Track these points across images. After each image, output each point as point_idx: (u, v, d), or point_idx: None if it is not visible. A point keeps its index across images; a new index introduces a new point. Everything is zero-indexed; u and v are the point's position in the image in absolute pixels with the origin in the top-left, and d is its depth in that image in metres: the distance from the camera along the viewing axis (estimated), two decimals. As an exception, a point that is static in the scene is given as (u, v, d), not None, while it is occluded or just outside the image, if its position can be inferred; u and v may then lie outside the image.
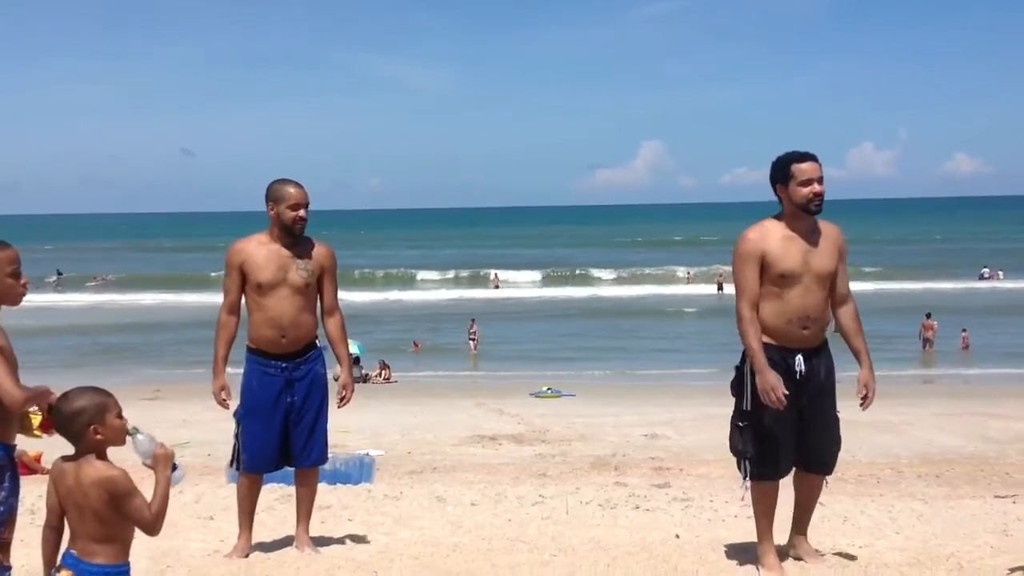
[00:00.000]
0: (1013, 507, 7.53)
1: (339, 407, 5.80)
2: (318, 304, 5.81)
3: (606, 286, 47.74)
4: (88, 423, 3.32)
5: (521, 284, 49.96)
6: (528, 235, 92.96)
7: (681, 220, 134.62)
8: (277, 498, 7.57)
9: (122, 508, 3.29)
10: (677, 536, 6.26)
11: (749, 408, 5.16)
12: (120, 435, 3.39)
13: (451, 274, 54.23)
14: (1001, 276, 47.82)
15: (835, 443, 5.40)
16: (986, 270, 48.64)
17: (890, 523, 6.78)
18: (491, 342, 28.46)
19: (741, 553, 5.68)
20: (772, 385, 4.99)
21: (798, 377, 5.15)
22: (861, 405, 5.33)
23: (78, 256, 71.42)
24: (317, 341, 5.84)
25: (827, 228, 5.26)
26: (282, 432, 5.69)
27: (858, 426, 13.37)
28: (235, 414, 5.80)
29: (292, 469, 5.90)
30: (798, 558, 5.53)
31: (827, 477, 5.55)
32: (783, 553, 5.59)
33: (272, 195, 5.66)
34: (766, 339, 5.14)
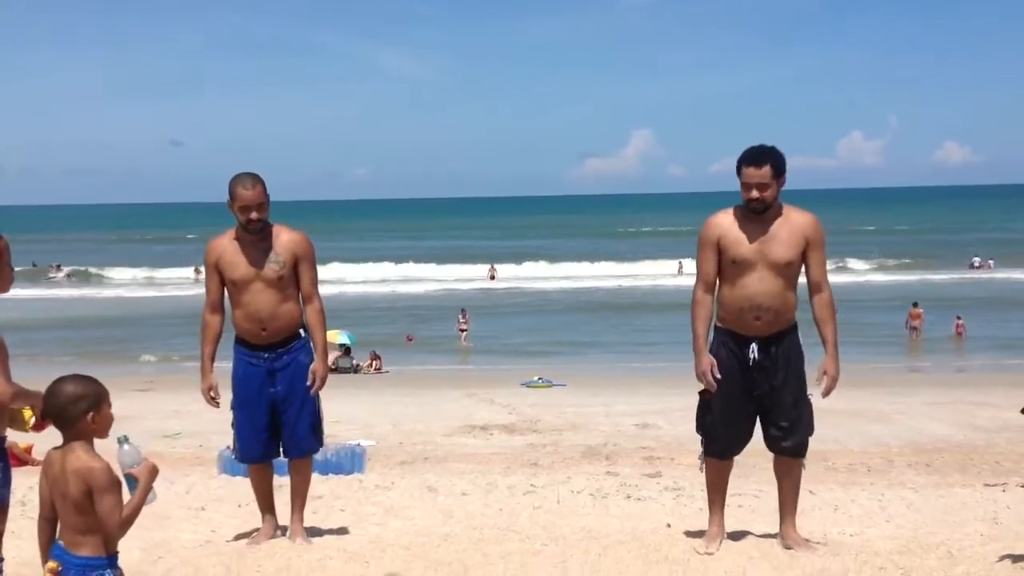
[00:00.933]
0: (1003, 495, 7.57)
1: (310, 394, 5.75)
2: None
3: (597, 278, 47.71)
4: (87, 409, 3.31)
5: (515, 276, 49.81)
6: (520, 225, 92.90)
7: (671, 210, 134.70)
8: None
9: (95, 502, 3.26)
10: (668, 525, 6.28)
11: (703, 389, 5.42)
12: (109, 426, 3.38)
13: (444, 265, 53.93)
14: (992, 265, 47.97)
15: (803, 428, 5.47)
16: (976, 259, 48.78)
17: (880, 511, 6.81)
18: (483, 333, 28.47)
19: (731, 542, 5.69)
20: (703, 370, 5.27)
21: (751, 364, 5.28)
22: (822, 394, 5.43)
23: (56, 248, 70.80)
24: (302, 331, 5.82)
25: (797, 217, 5.32)
26: (270, 422, 5.71)
27: (848, 415, 13.46)
28: (231, 405, 5.80)
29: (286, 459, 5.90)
30: (787, 547, 5.55)
31: (803, 462, 5.60)
32: (773, 541, 5.64)
33: (229, 193, 5.55)
34: (723, 324, 5.35)
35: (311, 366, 5.76)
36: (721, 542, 5.58)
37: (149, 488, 3.38)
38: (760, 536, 5.88)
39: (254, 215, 5.52)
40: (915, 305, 27.42)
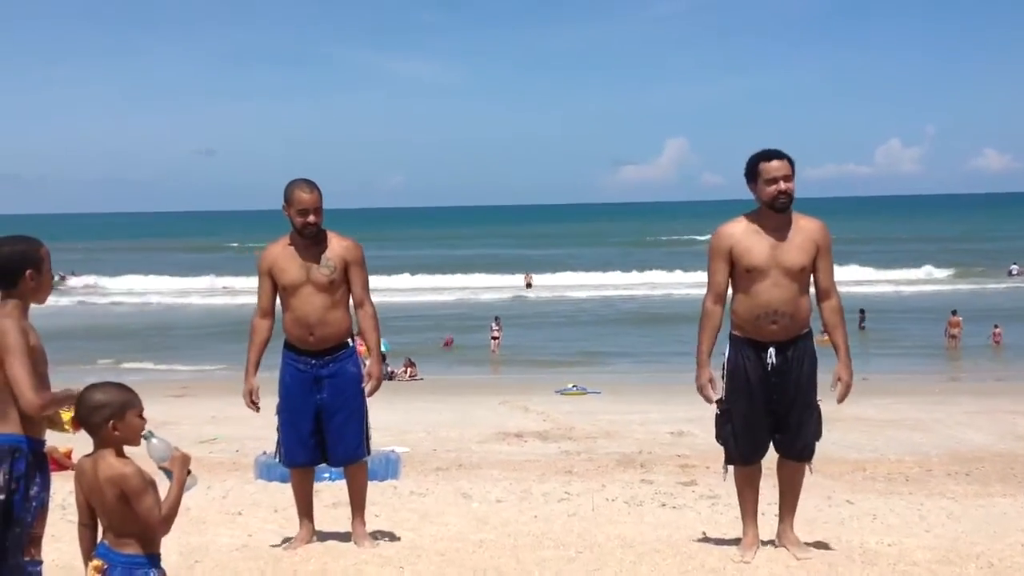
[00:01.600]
0: (1044, 506, 7.46)
1: (367, 396, 5.80)
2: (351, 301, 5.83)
3: (630, 286, 47.54)
4: (108, 418, 3.34)
5: (549, 284, 49.57)
6: (554, 233, 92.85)
7: (706, 218, 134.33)
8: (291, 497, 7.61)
9: (132, 506, 3.31)
10: (704, 534, 6.25)
11: (723, 396, 5.42)
12: (137, 435, 3.41)
13: (478, 274, 53.76)
14: (1031, 273, 47.39)
15: (812, 434, 5.51)
16: (1015, 267, 48.18)
17: (919, 521, 6.73)
18: (516, 341, 28.47)
19: (768, 551, 5.65)
20: (701, 384, 5.39)
21: (769, 369, 5.30)
22: (837, 400, 5.49)
23: (88, 257, 71.52)
24: (351, 340, 5.86)
25: (806, 223, 5.36)
26: (315, 428, 5.73)
27: (886, 424, 13.34)
28: (277, 408, 5.86)
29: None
30: (783, 546, 5.56)
31: (809, 466, 5.63)
32: (771, 542, 5.66)
33: (285, 197, 5.67)
34: (740, 333, 5.37)
35: (367, 367, 5.83)
36: (757, 550, 5.56)
37: (184, 477, 3.43)
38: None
39: (311, 218, 5.62)
40: (954, 313, 27.16)
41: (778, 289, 5.22)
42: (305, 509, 5.92)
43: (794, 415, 5.40)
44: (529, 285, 46.64)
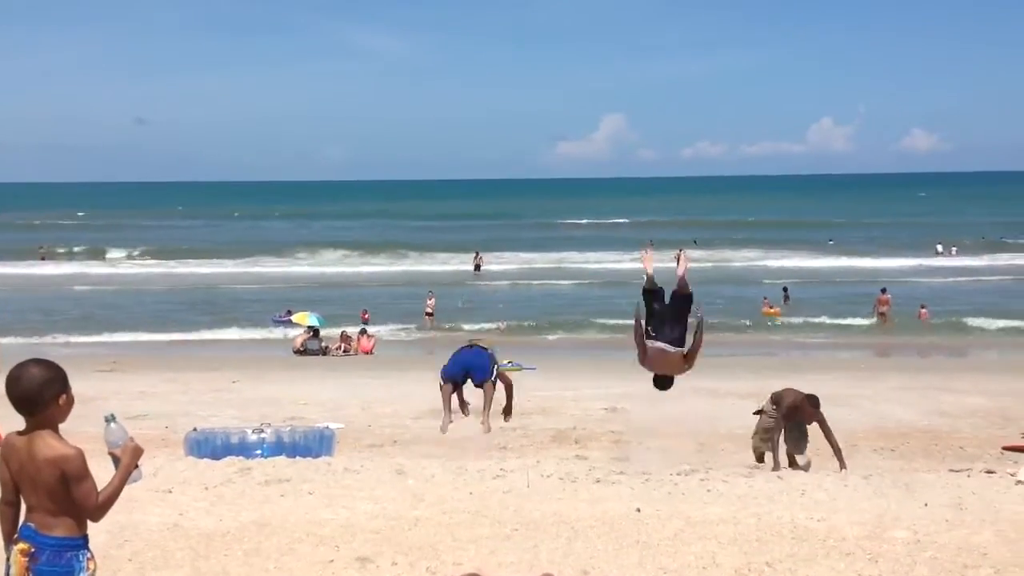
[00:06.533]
0: (967, 481, 7.65)
1: None
2: None
3: (568, 262, 47.54)
4: (60, 392, 3.26)
5: (494, 261, 48.87)
6: (491, 212, 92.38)
7: (642, 195, 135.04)
8: (236, 471, 7.52)
9: (71, 488, 3.22)
10: (638, 510, 6.29)
11: None
12: (71, 408, 3.33)
13: (426, 253, 52.69)
14: (955, 252, 48.43)
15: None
16: (939, 246, 49.22)
17: (846, 496, 6.85)
18: (454, 316, 28.42)
19: (700, 526, 5.72)
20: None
21: None
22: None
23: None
24: None
25: None
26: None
27: (815, 400, 13.53)
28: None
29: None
30: None
31: None
32: (741, 527, 5.67)
33: None
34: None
35: None
36: None
37: (132, 468, 3.35)
38: (728, 522, 5.91)
39: None
40: (883, 291, 27.65)
41: None
42: (447, 405, 10.59)
43: None
44: (479, 267, 44.77)
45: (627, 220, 74.65)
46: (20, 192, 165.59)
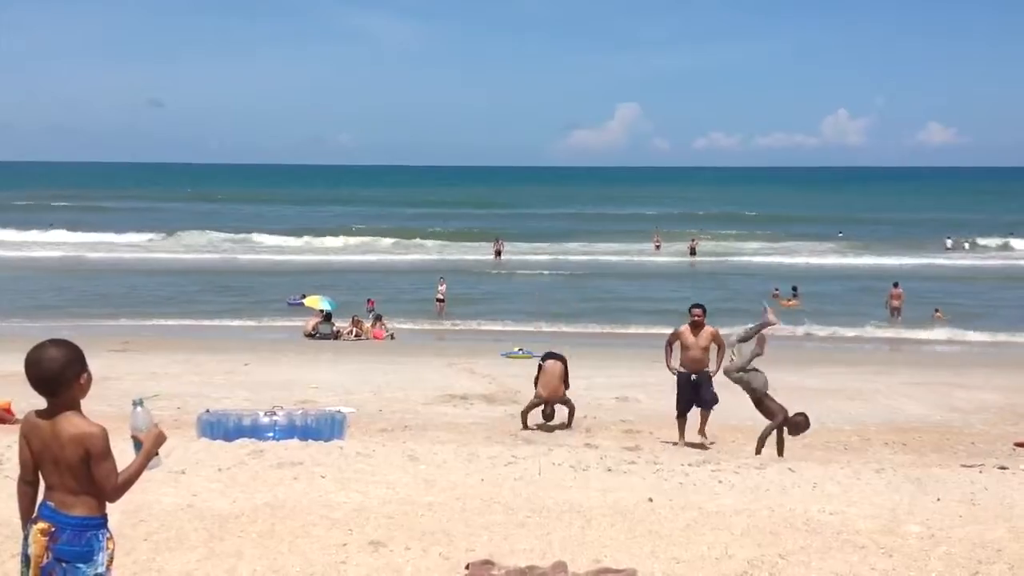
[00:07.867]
0: (980, 476, 7.63)
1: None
2: None
3: (578, 252, 47.38)
4: (80, 371, 3.27)
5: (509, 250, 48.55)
6: (503, 200, 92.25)
7: (655, 184, 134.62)
8: (249, 453, 7.55)
9: (92, 466, 3.22)
10: (650, 500, 6.29)
11: None
12: (90, 386, 3.33)
13: (437, 241, 52.55)
14: (967, 247, 48.20)
15: None
16: (949, 240, 48.95)
17: (859, 490, 6.84)
18: (466, 303, 28.40)
19: (713, 517, 5.71)
20: None
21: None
22: None
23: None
24: None
25: None
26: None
27: (825, 393, 13.53)
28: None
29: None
30: None
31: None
32: (754, 518, 5.66)
33: None
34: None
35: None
36: None
37: (153, 454, 3.36)
38: (741, 513, 5.90)
39: None
40: (896, 285, 27.48)
41: None
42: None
43: None
44: (499, 253, 44.28)
45: (641, 211, 74.50)
46: (22, 170, 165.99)
